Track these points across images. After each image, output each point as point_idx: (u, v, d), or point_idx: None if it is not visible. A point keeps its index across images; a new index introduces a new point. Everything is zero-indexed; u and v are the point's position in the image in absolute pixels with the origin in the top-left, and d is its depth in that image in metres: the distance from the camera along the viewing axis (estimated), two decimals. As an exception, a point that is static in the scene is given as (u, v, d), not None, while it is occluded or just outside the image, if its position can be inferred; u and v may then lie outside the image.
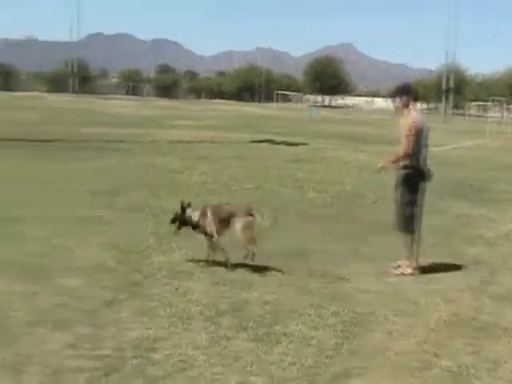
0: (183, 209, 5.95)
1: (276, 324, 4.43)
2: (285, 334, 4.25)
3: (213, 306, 4.74)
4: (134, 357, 3.78)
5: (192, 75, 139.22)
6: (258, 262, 5.81)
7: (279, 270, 5.73)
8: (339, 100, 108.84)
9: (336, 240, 7.16)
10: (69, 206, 8.28)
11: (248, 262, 5.79)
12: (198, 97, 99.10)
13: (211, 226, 5.83)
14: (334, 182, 12.00)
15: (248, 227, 5.75)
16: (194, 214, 5.91)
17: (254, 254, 5.77)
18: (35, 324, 4.23)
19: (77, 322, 4.31)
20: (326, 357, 3.92)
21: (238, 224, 5.74)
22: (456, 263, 6.38)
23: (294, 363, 3.81)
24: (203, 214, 5.86)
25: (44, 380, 3.46)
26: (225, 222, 5.84)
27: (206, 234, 5.91)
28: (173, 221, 6.06)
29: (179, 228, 6.03)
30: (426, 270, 6.06)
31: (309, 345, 4.10)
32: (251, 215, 5.81)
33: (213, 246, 5.90)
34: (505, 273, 6.22)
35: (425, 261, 6.23)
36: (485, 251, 7.08)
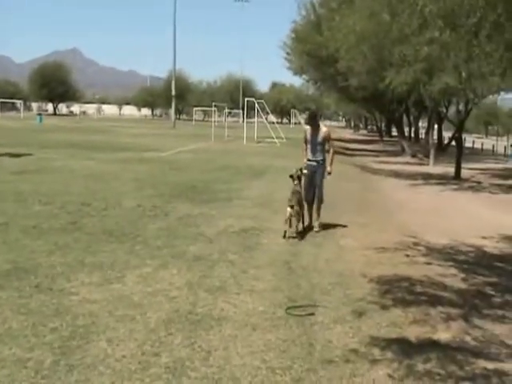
0: None
1: None
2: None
3: None
4: None
5: None
6: None
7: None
8: (70, 108, 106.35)
9: (63, 252, 6.91)
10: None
11: None
12: None
13: None
14: (62, 192, 11.58)
15: None
16: None
17: None
18: None
19: None
20: (43, 377, 3.76)
21: None
22: (177, 262, 6.69)
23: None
24: None
25: None
26: None
27: None
28: None
29: None
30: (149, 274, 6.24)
31: (25, 367, 3.89)
32: None
33: None
34: (222, 265, 6.70)
35: (147, 263, 6.44)
36: (205, 247, 7.54)
